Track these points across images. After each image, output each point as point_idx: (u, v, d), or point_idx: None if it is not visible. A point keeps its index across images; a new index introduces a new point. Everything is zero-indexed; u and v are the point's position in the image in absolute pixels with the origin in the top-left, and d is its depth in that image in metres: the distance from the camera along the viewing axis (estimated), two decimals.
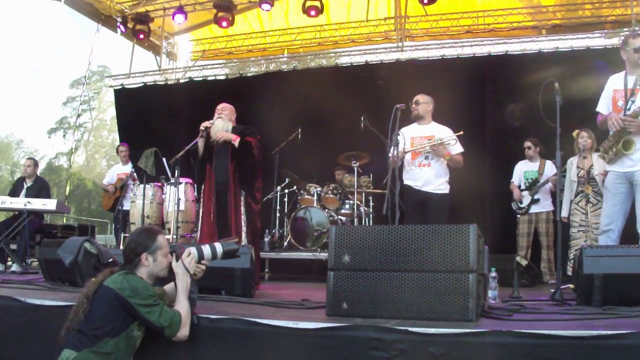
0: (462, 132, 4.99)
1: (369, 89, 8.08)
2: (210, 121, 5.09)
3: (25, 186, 7.09)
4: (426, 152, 4.98)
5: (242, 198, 4.94)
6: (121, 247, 5.88)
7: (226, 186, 4.94)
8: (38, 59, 42.79)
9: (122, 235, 6.97)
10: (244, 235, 4.84)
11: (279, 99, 8.41)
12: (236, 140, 4.95)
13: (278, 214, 7.50)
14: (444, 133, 5.02)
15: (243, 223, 4.88)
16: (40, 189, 7.09)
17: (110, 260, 3.98)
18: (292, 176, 7.59)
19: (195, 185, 6.61)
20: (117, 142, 9.12)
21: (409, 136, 4.97)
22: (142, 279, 2.71)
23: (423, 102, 5.12)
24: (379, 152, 6.57)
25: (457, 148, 5.03)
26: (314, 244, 6.70)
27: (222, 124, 5.06)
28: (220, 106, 5.24)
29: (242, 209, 4.92)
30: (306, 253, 6.60)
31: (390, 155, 4.70)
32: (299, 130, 7.57)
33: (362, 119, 6.84)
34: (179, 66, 10.83)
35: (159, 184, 6.81)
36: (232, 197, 4.90)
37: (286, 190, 7.62)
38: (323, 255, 6.28)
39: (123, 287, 2.60)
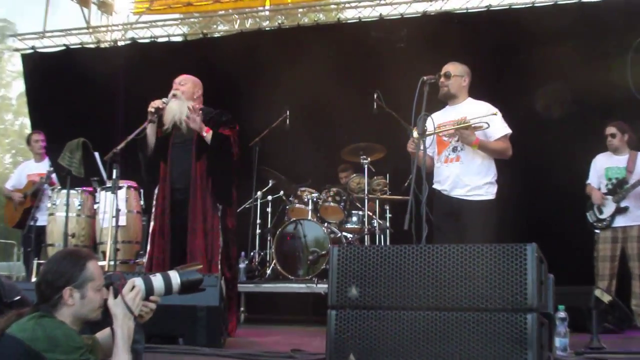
0: (496, 113, 4.89)
1: (384, 55, 8.11)
2: (164, 99, 5.12)
3: None
4: (455, 142, 4.95)
5: (216, 212, 5.01)
6: (33, 279, 5.87)
7: (188, 194, 5.00)
8: None
9: (34, 262, 6.96)
10: (219, 259, 4.93)
11: (257, 69, 8.47)
12: (208, 133, 5.01)
13: (258, 230, 7.52)
14: (477, 111, 4.90)
15: (217, 247, 4.93)
16: None
17: (17, 298, 3.97)
18: (277, 177, 7.61)
19: (142, 190, 6.66)
20: (28, 130, 9.15)
21: (437, 122, 4.92)
22: (63, 323, 2.70)
23: (456, 75, 5.03)
24: (397, 144, 6.56)
25: (496, 130, 4.82)
26: (309, 272, 6.72)
27: (178, 105, 5.10)
28: (178, 79, 5.29)
29: (218, 226, 4.99)
30: (297, 284, 6.63)
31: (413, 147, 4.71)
32: (287, 113, 7.60)
33: (374, 97, 6.86)
34: (117, 22, 10.87)
35: (90, 188, 6.82)
36: (197, 210, 4.95)
37: (269, 197, 7.65)
38: (321, 287, 6.29)
39: (36, 337, 2.58)
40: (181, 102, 5.11)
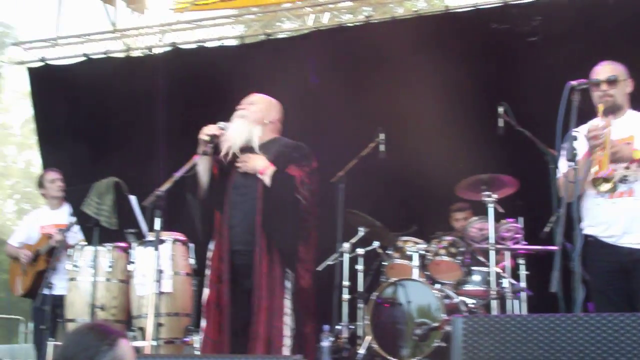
0: None
1: (510, 53, 8.12)
2: (220, 124, 5.23)
3: None
4: (623, 170, 4.90)
5: (285, 285, 5.06)
6: None
7: (251, 258, 5.06)
8: None
9: (49, 343, 6.98)
10: (287, 345, 4.96)
11: (339, 78, 8.53)
12: (265, 173, 5.09)
13: (346, 296, 7.48)
14: None
15: (286, 325, 4.99)
16: None
17: None
18: (370, 223, 7.60)
19: (192, 245, 6.63)
20: (35, 168, 9.34)
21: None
22: None
23: (621, 80, 5.06)
24: (533, 175, 6.51)
25: None
26: (416, 352, 6.66)
27: (240, 130, 5.20)
28: (249, 98, 5.41)
29: (285, 298, 5.04)
30: None
31: (559, 176, 4.69)
32: (381, 136, 7.62)
33: (498, 111, 6.84)
34: (152, 23, 11.06)
35: (123, 244, 6.88)
36: (262, 282, 5.01)
37: (360, 251, 7.62)
38: None
39: None
40: (245, 127, 5.22)
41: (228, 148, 5.19)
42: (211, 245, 5.33)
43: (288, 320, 5.02)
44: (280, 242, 5.07)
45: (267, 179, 5.07)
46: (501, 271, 7.15)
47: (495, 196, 7.05)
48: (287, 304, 5.05)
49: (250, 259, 5.06)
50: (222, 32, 10.09)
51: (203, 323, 5.26)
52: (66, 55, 10.48)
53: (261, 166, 5.10)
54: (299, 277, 5.14)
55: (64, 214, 7.71)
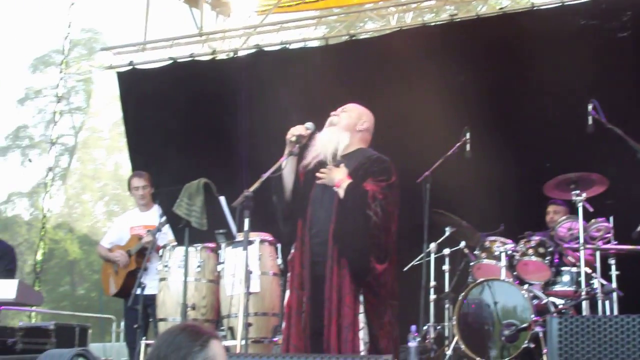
0: None
1: (600, 49, 7.99)
2: (307, 125, 5.24)
3: None
4: None
5: (357, 295, 5.00)
6: None
7: (324, 270, 5.04)
8: None
9: (141, 343, 7.05)
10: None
11: (422, 77, 8.51)
12: (340, 186, 5.05)
13: (433, 296, 7.48)
14: None
15: (359, 339, 4.94)
16: None
17: None
18: (456, 223, 7.55)
19: (279, 245, 6.64)
20: (124, 170, 9.45)
21: None
22: None
23: None
24: (624, 173, 6.40)
25: None
26: (503, 354, 6.60)
27: (330, 135, 5.19)
28: (344, 106, 5.38)
29: (358, 313, 4.99)
30: None
31: None
32: (467, 136, 7.56)
33: (588, 108, 6.72)
34: (237, 26, 11.22)
35: (212, 244, 6.93)
36: (332, 296, 4.98)
37: (445, 251, 7.59)
38: None
39: None
40: (334, 135, 5.20)
41: (315, 157, 5.21)
42: (292, 249, 5.31)
43: (362, 334, 4.96)
44: (349, 256, 5.02)
45: (341, 192, 5.03)
46: (591, 271, 7.03)
47: (584, 195, 6.92)
48: (361, 319, 4.98)
49: (324, 270, 5.05)
50: (306, 33, 10.11)
51: (284, 324, 5.27)
52: (153, 59, 10.65)
53: (338, 179, 5.06)
54: (373, 294, 5.07)
55: (153, 215, 7.76)
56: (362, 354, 4.91)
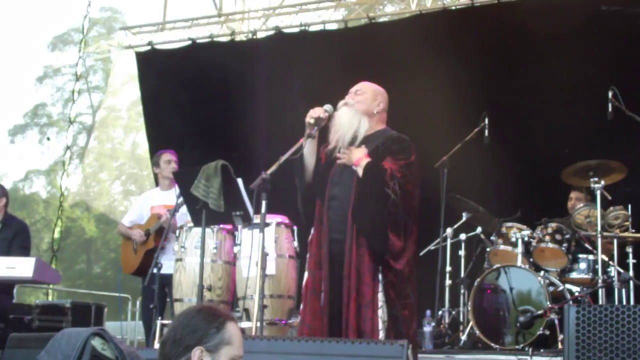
0: None
1: (621, 36, 7.95)
2: (326, 107, 5.20)
3: None
4: None
5: (377, 273, 4.98)
6: (156, 346, 5.98)
7: (343, 248, 5.04)
8: None
9: (157, 322, 7.04)
10: (380, 336, 4.88)
11: (440, 61, 8.46)
12: (359, 165, 5.03)
13: (448, 281, 7.49)
14: None
15: (378, 317, 4.93)
16: (13, 236, 7.47)
17: None
18: (473, 208, 7.54)
19: (296, 228, 6.63)
20: (141, 149, 9.38)
21: None
22: None
23: None
24: None
25: None
26: (518, 340, 6.59)
27: (349, 117, 5.16)
28: (356, 87, 5.35)
29: (377, 291, 4.97)
30: (504, 356, 6.45)
31: None
32: (485, 121, 7.53)
33: (609, 96, 6.68)
34: (256, 8, 11.19)
35: (228, 226, 6.93)
36: (351, 274, 4.97)
37: (462, 236, 7.60)
38: None
39: None
40: (355, 117, 5.16)
41: (337, 140, 5.17)
42: (312, 230, 5.32)
43: (380, 313, 4.94)
44: (367, 234, 5.00)
45: (360, 170, 5.01)
46: (607, 259, 7.00)
47: (602, 182, 6.89)
48: (380, 297, 4.97)
49: (342, 249, 5.05)
50: (325, 15, 10.07)
51: (302, 306, 5.27)
52: (172, 39, 10.68)
53: (357, 157, 5.05)
54: (393, 273, 5.04)
55: (174, 195, 7.51)
56: (381, 332, 4.90)
